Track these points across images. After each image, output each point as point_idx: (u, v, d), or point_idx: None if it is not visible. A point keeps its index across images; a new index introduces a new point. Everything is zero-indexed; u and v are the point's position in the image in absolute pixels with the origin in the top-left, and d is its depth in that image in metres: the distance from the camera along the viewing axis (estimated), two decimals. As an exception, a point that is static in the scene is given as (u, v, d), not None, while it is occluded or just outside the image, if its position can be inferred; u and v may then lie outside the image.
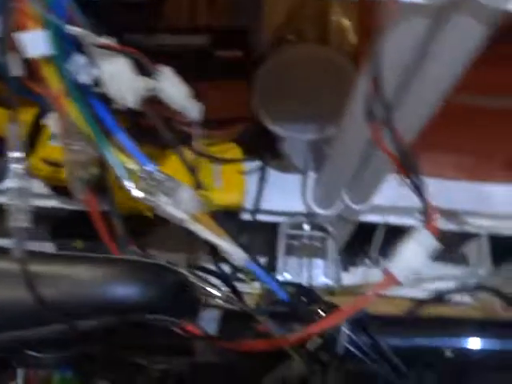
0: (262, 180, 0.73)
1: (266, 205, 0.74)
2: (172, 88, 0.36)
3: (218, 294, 0.41)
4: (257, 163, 0.75)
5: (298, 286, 0.46)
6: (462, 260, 1.02)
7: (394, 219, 0.79)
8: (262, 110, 0.63)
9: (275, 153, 0.76)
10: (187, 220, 0.35)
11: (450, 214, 0.77)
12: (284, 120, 0.63)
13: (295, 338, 0.39)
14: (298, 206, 0.76)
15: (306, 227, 0.76)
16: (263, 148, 0.73)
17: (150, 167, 0.35)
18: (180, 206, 0.36)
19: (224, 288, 0.47)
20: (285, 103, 0.63)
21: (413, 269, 0.40)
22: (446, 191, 0.78)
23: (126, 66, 0.33)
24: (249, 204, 0.74)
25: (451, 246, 1.05)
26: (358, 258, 1.06)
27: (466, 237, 1.01)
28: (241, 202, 0.68)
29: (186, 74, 0.62)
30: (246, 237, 0.75)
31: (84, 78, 0.32)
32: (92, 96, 0.33)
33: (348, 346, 0.43)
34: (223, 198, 0.68)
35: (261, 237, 0.83)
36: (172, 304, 0.35)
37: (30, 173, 0.68)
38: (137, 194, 0.33)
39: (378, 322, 0.44)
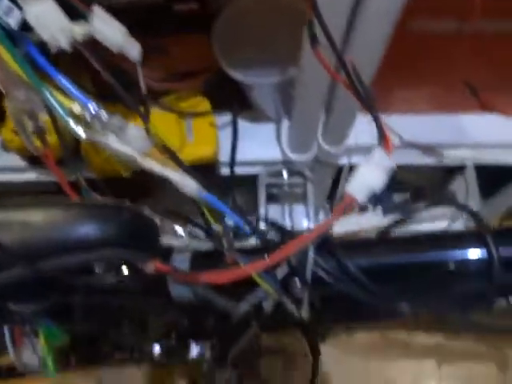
0: (235, 131, 0.73)
1: (242, 157, 0.75)
2: (107, 28, 0.36)
3: (183, 233, 0.42)
4: (229, 117, 0.75)
5: (269, 222, 0.47)
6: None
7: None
8: (223, 59, 0.63)
9: (246, 105, 0.76)
10: (136, 156, 0.35)
11: (427, 149, 0.78)
12: (245, 66, 0.63)
13: (261, 264, 0.40)
14: (274, 155, 0.77)
15: (285, 175, 0.77)
16: (232, 99, 0.73)
17: (93, 107, 0.35)
18: (130, 144, 0.36)
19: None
20: (245, 50, 0.63)
21: (370, 188, 0.40)
22: (420, 126, 0.78)
23: (51, 7, 0.33)
24: (225, 158, 0.74)
25: (438, 185, 1.06)
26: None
27: (451, 173, 1.01)
28: (214, 154, 0.69)
29: (145, 30, 0.62)
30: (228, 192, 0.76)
31: (12, 21, 0.32)
32: (25, 40, 0.33)
33: (317, 271, 0.44)
34: (196, 151, 0.68)
35: (244, 191, 0.84)
36: (131, 240, 0.36)
37: (4, 145, 0.68)
38: (81, 133, 0.34)
39: (345, 245, 0.44)
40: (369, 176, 0.41)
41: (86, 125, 0.36)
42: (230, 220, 0.40)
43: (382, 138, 0.42)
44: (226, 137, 0.74)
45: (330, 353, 1.14)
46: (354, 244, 0.45)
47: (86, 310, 0.48)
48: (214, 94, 0.73)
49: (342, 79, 0.44)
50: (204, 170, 0.71)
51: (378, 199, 1.02)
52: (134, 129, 0.36)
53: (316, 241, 0.42)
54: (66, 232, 0.34)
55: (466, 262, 0.40)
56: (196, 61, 0.66)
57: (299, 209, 0.79)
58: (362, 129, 0.77)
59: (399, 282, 0.45)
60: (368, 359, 1.14)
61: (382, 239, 0.46)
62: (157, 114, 0.69)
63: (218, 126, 0.73)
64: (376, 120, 0.42)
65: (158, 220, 0.43)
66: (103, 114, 0.35)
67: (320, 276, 0.43)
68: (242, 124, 0.76)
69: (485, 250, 0.40)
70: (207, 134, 0.69)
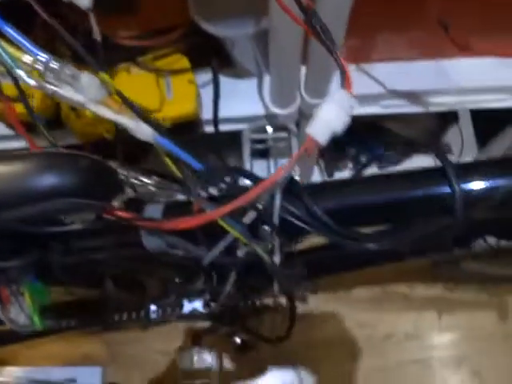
0: (217, 88, 0.73)
1: (225, 114, 0.75)
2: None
3: (150, 181, 0.42)
4: (211, 75, 0.74)
5: (236, 169, 0.47)
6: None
7: (359, 110, 0.79)
8: (196, 13, 0.62)
9: (227, 62, 0.75)
10: (87, 103, 0.35)
11: (412, 96, 0.77)
12: (218, 19, 0.62)
13: (224, 209, 0.40)
14: (257, 110, 0.76)
15: (269, 130, 0.77)
16: (211, 56, 0.73)
17: (43, 57, 0.35)
18: (83, 93, 0.36)
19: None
20: (218, 2, 0.62)
21: (332, 128, 0.40)
22: (404, 74, 0.77)
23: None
24: (209, 115, 0.74)
25: (433, 136, 1.05)
26: (341, 162, 1.06)
27: (446, 124, 1.00)
28: (194, 111, 0.69)
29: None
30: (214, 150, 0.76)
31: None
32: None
33: (284, 215, 0.44)
34: (176, 108, 0.68)
35: (232, 149, 0.84)
36: (89, 188, 0.36)
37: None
38: (29, 81, 0.34)
39: (312, 188, 0.45)
40: (330, 117, 0.40)
41: (40, 76, 0.36)
42: (194, 166, 0.40)
43: (343, 77, 0.42)
44: (208, 95, 0.74)
45: (331, 307, 1.16)
46: (321, 187, 0.45)
47: (64, 264, 0.49)
48: (194, 52, 0.72)
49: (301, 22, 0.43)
50: (186, 128, 0.71)
51: (373, 157, 1.02)
52: (87, 77, 0.36)
53: (281, 185, 0.42)
54: (23, 182, 0.34)
55: (430, 199, 0.40)
56: (169, 17, 0.65)
57: (284, 163, 0.78)
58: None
59: (366, 223, 0.45)
60: (369, 312, 1.16)
61: (348, 181, 0.46)
62: (134, 74, 0.68)
63: (200, 84, 0.73)
64: (336, 60, 0.41)
65: (124, 171, 0.43)
66: (54, 64, 0.35)
67: (288, 220, 0.44)
68: (224, 81, 0.76)
69: (447, 186, 0.39)
70: (186, 92, 0.69)
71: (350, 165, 1.05)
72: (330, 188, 0.44)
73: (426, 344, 1.14)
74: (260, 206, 0.43)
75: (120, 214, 0.39)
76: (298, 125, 0.78)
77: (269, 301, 0.95)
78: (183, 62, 0.70)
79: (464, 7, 0.59)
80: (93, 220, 0.43)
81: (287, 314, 0.66)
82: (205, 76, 0.75)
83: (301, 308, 1.07)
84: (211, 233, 0.46)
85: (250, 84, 0.77)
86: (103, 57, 0.41)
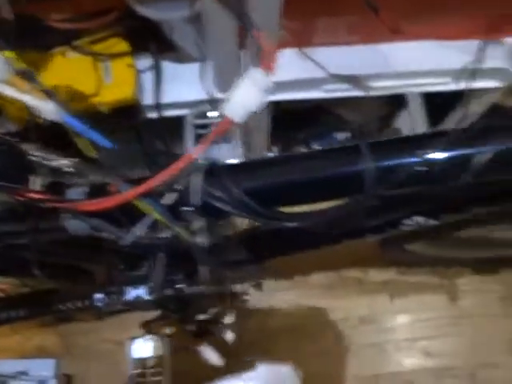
0: (158, 73, 0.72)
1: (168, 99, 0.74)
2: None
3: (67, 162, 0.42)
4: (151, 60, 0.73)
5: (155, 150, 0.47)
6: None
7: (302, 95, 0.79)
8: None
9: (170, 46, 0.74)
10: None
11: (353, 80, 0.77)
12: (153, 2, 0.61)
13: (139, 190, 0.40)
14: (200, 95, 0.76)
15: (212, 114, 0.76)
16: (153, 41, 0.72)
17: None
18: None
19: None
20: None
21: (247, 107, 0.40)
22: (346, 58, 0.77)
23: None
24: (149, 100, 0.73)
25: (384, 121, 1.06)
26: (294, 147, 1.07)
27: (398, 108, 1.01)
28: (133, 95, 0.68)
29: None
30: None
31: None
32: None
33: (205, 197, 0.44)
34: (114, 93, 0.67)
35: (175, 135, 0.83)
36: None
37: None
38: None
39: (232, 169, 0.45)
40: (245, 96, 0.40)
41: None
42: (105, 145, 0.39)
43: (260, 56, 0.42)
44: (150, 80, 0.73)
45: (286, 294, 1.17)
46: (242, 167, 0.45)
47: None
48: (135, 36, 0.71)
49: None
50: (127, 114, 0.71)
51: (323, 142, 1.03)
52: (-11, 55, 0.35)
53: (200, 168, 0.42)
54: None
55: (345, 175, 0.41)
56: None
57: (226, 147, 0.78)
58: (290, 64, 0.76)
59: (291, 202, 0.45)
60: (324, 298, 1.17)
61: (268, 160, 0.46)
62: (71, 58, 0.67)
63: (142, 69, 0.72)
64: (253, 37, 0.41)
65: (40, 153, 0.43)
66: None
67: (208, 201, 0.44)
68: (167, 66, 0.75)
69: (360, 162, 0.40)
70: (125, 75, 0.68)
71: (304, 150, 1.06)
72: (250, 168, 0.44)
73: (381, 327, 1.16)
74: (178, 188, 0.43)
75: (33, 195, 0.38)
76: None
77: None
78: (122, 45, 0.69)
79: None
80: (10, 203, 0.42)
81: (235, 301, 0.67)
82: (148, 61, 0.74)
83: (256, 295, 1.08)
84: (137, 215, 0.46)
85: (193, 69, 0.76)
86: (16, 36, 0.40)
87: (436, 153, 0.38)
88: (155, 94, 0.72)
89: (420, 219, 0.54)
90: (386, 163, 0.39)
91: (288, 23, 0.71)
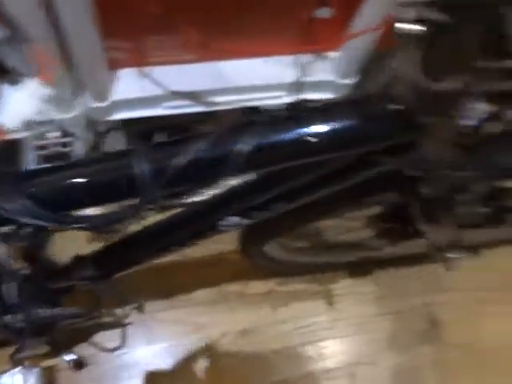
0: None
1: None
2: None
3: None
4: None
5: None
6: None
7: (144, 112, 0.81)
8: None
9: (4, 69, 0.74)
10: None
11: (193, 96, 0.80)
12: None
13: None
14: (39, 117, 0.76)
15: (53, 135, 0.76)
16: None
17: None
18: None
19: None
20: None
21: (23, 115, 0.41)
22: (186, 75, 0.80)
23: None
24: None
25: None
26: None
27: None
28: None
29: None
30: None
31: None
32: None
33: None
34: None
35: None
36: None
37: None
38: None
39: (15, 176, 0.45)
40: (20, 104, 0.41)
41: None
42: None
43: (38, 67, 0.43)
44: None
45: (169, 313, 1.17)
46: (24, 174, 0.46)
47: None
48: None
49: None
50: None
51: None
52: None
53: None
54: None
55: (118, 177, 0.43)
56: None
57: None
58: (128, 83, 0.78)
59: (73, 205, 0.46)
60: (206, 314, 1.17)
61: (59, 166, 0.47)
62: None
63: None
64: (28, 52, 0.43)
65: None
66: None
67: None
68: (3, 88, 0.75)
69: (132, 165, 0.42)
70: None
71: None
72: (33, 175, 0.45)
73: (264, 338, 1.18)
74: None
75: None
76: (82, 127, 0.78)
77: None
78: None
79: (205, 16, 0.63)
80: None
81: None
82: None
83: (138, 316, 1.07)
84: None
85: (30, 90, 0.76)
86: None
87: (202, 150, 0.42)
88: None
89: (235, 219, 0.57)
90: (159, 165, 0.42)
91: (123, 44, 0.74)
